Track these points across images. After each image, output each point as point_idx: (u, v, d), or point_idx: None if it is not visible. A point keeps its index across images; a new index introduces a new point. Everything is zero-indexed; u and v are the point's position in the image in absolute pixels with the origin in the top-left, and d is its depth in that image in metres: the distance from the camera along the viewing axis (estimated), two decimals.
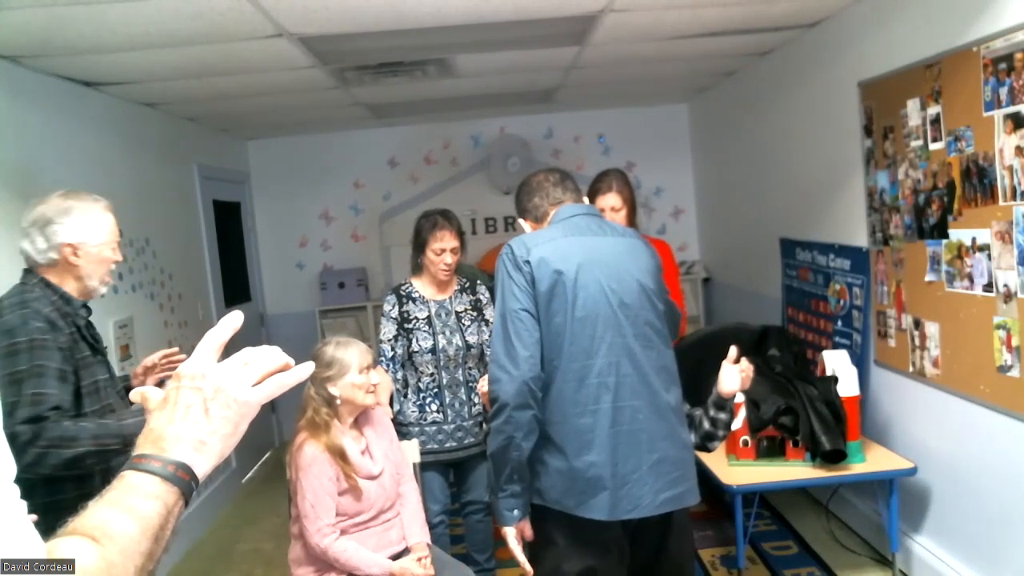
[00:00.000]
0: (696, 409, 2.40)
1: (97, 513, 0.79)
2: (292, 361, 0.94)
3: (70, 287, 2.24)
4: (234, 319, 0.94)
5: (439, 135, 6.54)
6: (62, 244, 2.19)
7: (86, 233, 2.22)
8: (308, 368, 0.95)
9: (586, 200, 2.44)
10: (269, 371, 0.92)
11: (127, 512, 0.79)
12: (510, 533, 2.20)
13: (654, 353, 2.20)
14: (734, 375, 2.32)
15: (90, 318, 2.33)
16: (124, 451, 2.09)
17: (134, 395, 0.95)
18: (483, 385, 2.49)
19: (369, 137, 6.51)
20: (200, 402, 0.88)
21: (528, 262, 2.17)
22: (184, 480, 0.84)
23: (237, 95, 4.48)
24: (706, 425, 2.36)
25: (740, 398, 3.26)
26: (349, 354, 2.67)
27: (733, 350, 2.35)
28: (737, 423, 3.32)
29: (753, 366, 2.38)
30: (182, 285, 4.82)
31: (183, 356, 2.41)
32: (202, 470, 0.87)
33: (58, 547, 0.75)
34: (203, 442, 0.87)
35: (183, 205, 5.06)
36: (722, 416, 2.35)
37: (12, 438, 1.98)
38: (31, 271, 2.23)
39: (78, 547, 0.75)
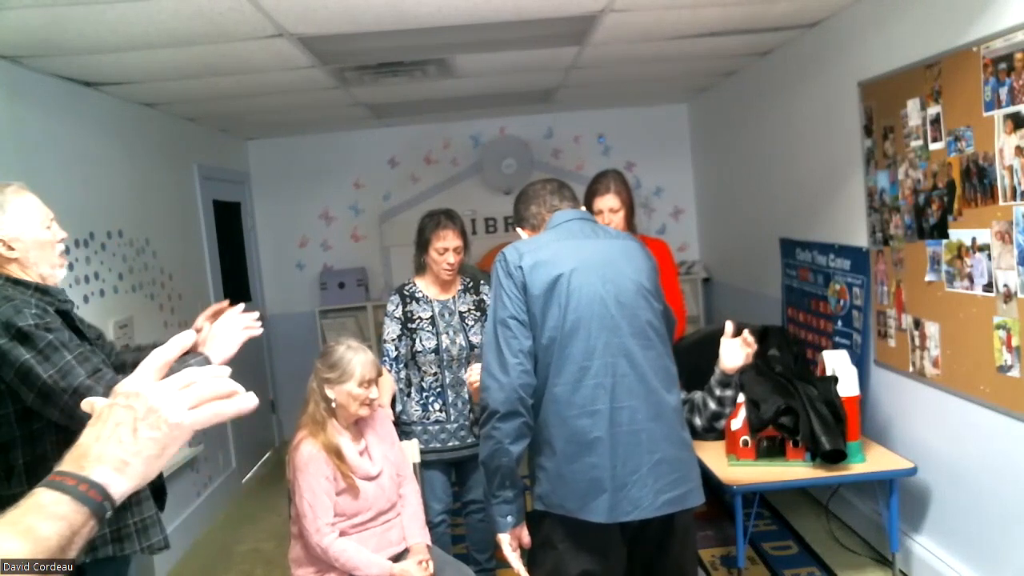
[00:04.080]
0: (695, 392, 2.39)
1: None
2: (240, 388, 0.92)
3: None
4: (183, 338, 0.94)
5: (439, 135, 6.54)
6: None
7: (5, 224, 2.11)
8: (251, 400, 0.93)
9: (583, 208, 2.45)
10: (210, 396, 0.90)
11: (20, 534, 0.78)
12: (504, 539, 2.20)
13: (653, 353, 2.19)
14: (736, 350, 2.30)
15: (74, 311, 2.29)
16: None
17: (85, 404, 0.93)
18: (471, 375, 2.47)
19: (369, 137, 6.51)
20: (130, 421, 0.86)
21: (520, 268, 2.17)
22: (96, 501, 0.83)
23: (237, 95, 4.48)
24: (712, 405, 2.33)
25: (740, 398, 3.27)
26: (355, 362, 2.64)
27: (729, 324, 2.33)
28: (737, 423, 3.32)
29: (754, 344, 2.34)
30: (182, 285, 4.82)
31: (230, 307, 2.35)
32: (119, 491, 0.85)
33: None
34: (125, 462, 0.85)
35: (183, 205, 5.06)
36: (728, 393, 2.32)
37: (81, 395, 1.88)
38: None
39: None
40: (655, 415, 2.15)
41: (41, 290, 2.15)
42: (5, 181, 2.20)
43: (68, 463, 0.85)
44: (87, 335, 2.28)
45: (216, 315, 2.41)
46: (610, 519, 2.10)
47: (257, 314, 2.32)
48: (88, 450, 0.85)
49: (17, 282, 2.13)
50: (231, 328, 2.24)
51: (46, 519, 0.80)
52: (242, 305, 2.35)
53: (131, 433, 0.86)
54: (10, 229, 2.12)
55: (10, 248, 2.12)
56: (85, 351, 2.07)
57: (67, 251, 2.30)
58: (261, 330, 2.30)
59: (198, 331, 2.39)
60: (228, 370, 0.93)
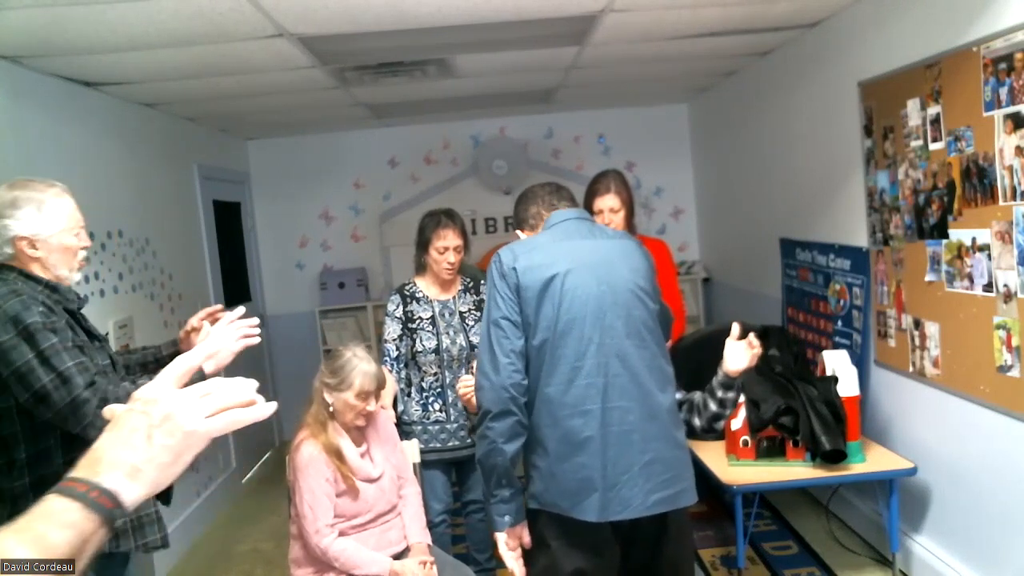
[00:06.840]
0: (694, 393, 2.39)
1: None
2: (259, 398, 0.92)
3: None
4: (209, 346, 0.94)
5: (439, 135, 6.54)
6: (15, 238, 2.10)
7: (39, 223, 2.12)
8: (269, 408, 0.93)
9: (581, 208, 2.46)
10: (228, 405, 0.90)
11: (30, 541, 0.78)
12: (501, 539, 2.21)
13: (648, 353, 2.19)
14: (740, 352, 2.30)
15: (82, 311, 2.29)
16: None
17: (106, 412, 0.93)
18: (461, 387, 2.50)
19: (369, 137, 6.51)
20: (145, 427, 0.86)
21: (514, 269, 2.19)
22: (107, 508, 0.82)
23: (237, 95, 4.48)
24: (712, 407, 2.33)
25: (740, 399, 3.27)
26: (356, 372, 2.62)
27: (736, 327, 2.33)
28: (737, 423, 3.32)
29: (759, 347, 2.34)
30: (182, 285, 4.82)
31: (225, 311, 2.36)
32: (131, 498, 0.84)
33: None
34: (138, 469, 0.85)
35: (183, 205, 5.06)
36: (730, 395, 2.33)
37: (78, 406, 1.96)
38: (5, 266, 2.15)
39: None
40: (648, 415, 2.15)
41: (51, 287, 2.16)
42: (50, 181, 2.22)
43: (82, 469, 0.84)
44: (97, 335, 2.30)
45: (211, 319, 2.39)
46: (601, 518, 2.11)
47: (256, 320, 2.28)
48: (102, 456, 0.85)
49: (29, 277, 2.14)
50: (227, 336, 2.20)
51: (56, 527, 0.79)
52: (241, 309, 2.31)
53: (145, 440, 0.86)
54: (40, 229, 2.13)
55: (34, 247, 2.13)
56: (85, 361, 2.05)
57: (87, 259, 2.31)
58: (259, 339, 2.26)
59: (195, 331, 2.39)
60: (254, 383, 0.92)
